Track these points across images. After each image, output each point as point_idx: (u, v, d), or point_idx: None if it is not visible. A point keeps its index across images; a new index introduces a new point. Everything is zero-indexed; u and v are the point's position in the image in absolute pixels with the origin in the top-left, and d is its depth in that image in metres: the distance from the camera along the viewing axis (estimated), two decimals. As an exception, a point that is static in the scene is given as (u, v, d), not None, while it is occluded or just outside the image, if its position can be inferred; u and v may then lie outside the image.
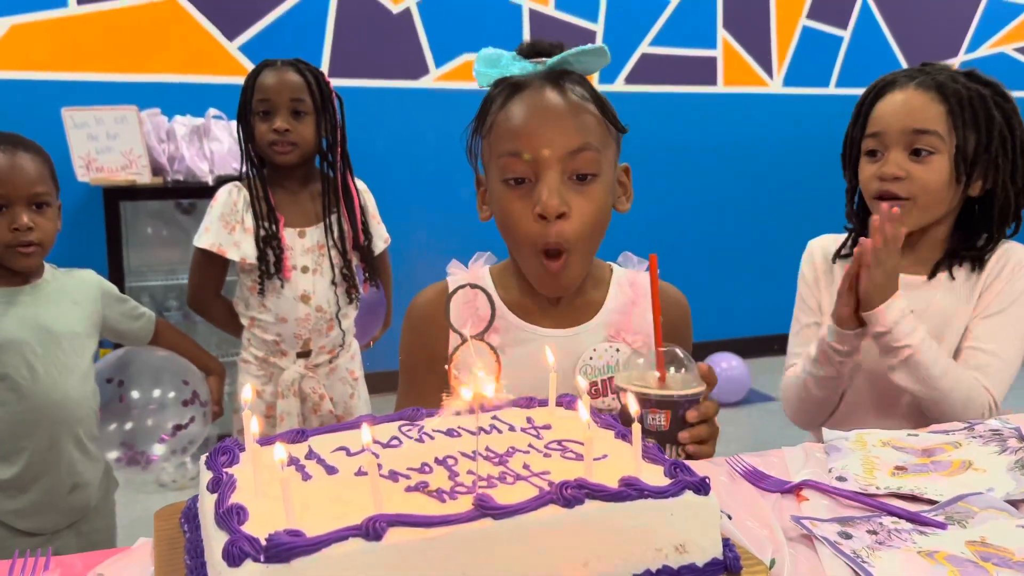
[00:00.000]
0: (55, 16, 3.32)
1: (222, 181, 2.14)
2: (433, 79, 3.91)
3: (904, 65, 4.30)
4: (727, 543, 0.71)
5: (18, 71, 3.30)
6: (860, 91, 1.47)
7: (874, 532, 0.82)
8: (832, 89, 4.63)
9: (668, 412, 0.98)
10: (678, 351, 1.01)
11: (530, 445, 0.79)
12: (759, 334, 4.48)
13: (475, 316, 1.12)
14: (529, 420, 0.85)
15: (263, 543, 0.58)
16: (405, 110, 3.87)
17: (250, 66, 2.99)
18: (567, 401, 0.90)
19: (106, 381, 1.76)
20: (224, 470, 0.73)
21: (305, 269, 2.03)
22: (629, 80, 4.23)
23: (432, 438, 0.81)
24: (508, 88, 1.12)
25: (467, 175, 1.21)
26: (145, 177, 3.14)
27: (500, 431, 0.83)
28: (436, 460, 0.75)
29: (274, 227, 2.00)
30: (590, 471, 0.70)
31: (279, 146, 1.97)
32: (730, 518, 0.83)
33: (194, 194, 3.24)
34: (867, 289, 1.27)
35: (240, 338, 2.10)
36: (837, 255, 1.50)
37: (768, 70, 4.52)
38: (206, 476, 0.73)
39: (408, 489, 0.69)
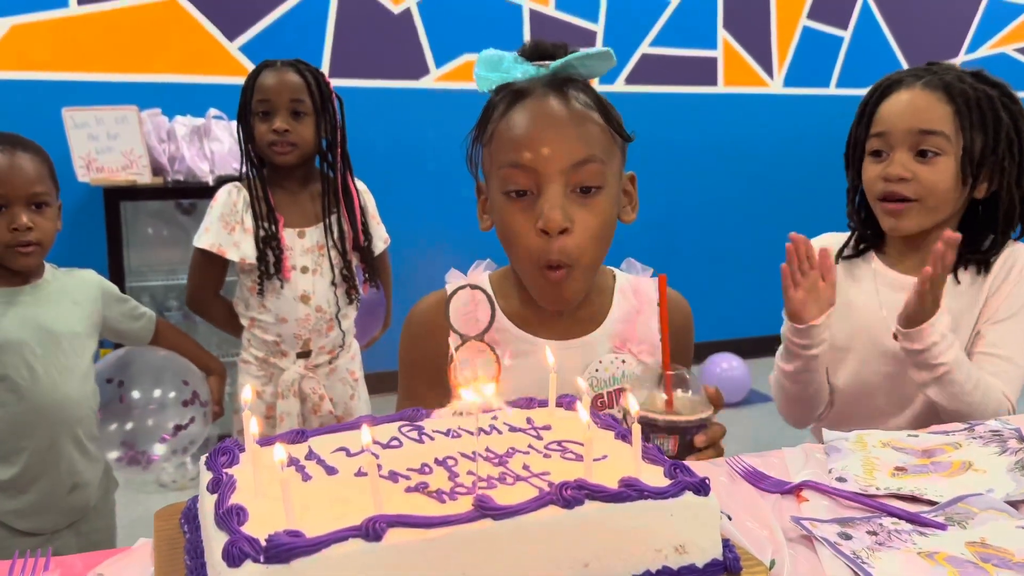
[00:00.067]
0: (56, 16, 3.32)
1: (222, 181, 2.15)
2: (433, 79, 3.91)
3: (905, 66, 4.30)
4: (727, 544, 0.71)
5: (18, 71, 3.30)
6: (861, 91, 1.46)
7: (874, 533, 0.82)
8: (832, 89, 4.62)
9: (676, 437, 0.98)
10: (686, 373, 1.01)
11: (530, 446, 0.79)
12: (759, 334, 4.46)
13: (475, 326, 1.08)
14: (529, 421, 0.85)
15: (263, 544, 0.58)
16: (405, 110, 3.87)
17: (250, 66, 2.99)
18: (567, 402, 0.90)
19: (106, 381, 1.76)
20: (224, 471, 0.73)
21: (305, 269, 2.03)
22: (629, 80, 4.23)
23: (432, 439, 0.81)
24: (510, 96, 1.08)
25: (468, 176, 1.19)
26: (145, 177, 3.14)
27: (500, 432, 0.83)
28: (436, 461, 0.75)
29: (273, 227, 2.00)
30: (590, 472, 0.70)
31: (278, 147, 1.97)
32: (730, 519, 0.83)
33: (194, 194, 3.24)
34: (915, 310, 1.23)
35: (240, 338, 2.11)
36: (840, 255, 1.48)
37: (768, 70, 4.52)
38: (206, 477, 0.73)
39: (408, 490, 0.69)
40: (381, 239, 2.20)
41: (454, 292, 1.10)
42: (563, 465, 0.74)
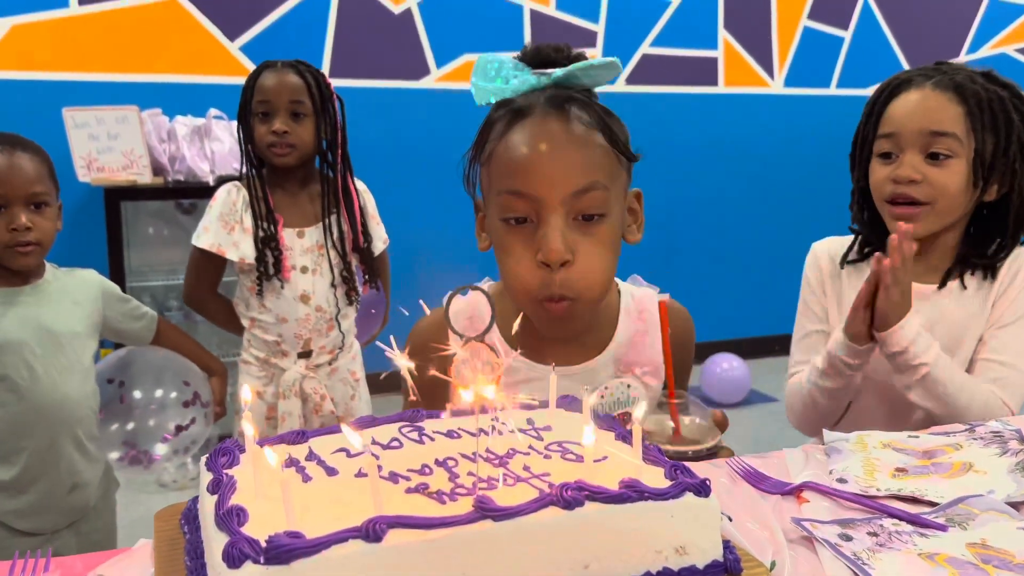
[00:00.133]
0: (56, 16, 3.32)
1: (223, 181, 2.15)
2: (434, 80, 3.91)
3: (905, 66, 4.29)
4: (727, 545, 0.71)
5: (19, 71, 3.30)
6: (861, 92, 1.46)
7: (875, 534, 0.82)
8: (833, 90, 4.62)
9: None
10: (692, 399, 1.00)
11: (530, 447, 0.79)
12: (760, 335, 4.48)
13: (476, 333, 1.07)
14: (529, 422, 0.85)
15: (263, 544, 0.58)
16: (406, 111, 3.87)
17: (251, 66, 2.99)
18: (567, 402, 0.90)
19: (107, 381, 1.76)
20: (224, 471, 0.73)
21: (304, 269, 2.03)
22: (630, 81, 4.23)
23: (432, 439, 0.81)
24: (509, 115, 1.02)
25: (468, 176, 1.19)
26: (146, 177, 3.15)
27: (500, 432, 0.83)
28: (436, 461, 0.75)
29: (273, 228, 2.00)
30: (590, 473, 0.70)
31: (277, 148, 1.97)
32: (730, 520, 0.83)
33: (195, 194, 3.24)
34: (884, 308, 1.22)
35: (241, 337, 2.11)
36: (845, 260, 1.45)
37: (769, 71, 4.52)
38: (206, 477, 0.73)
39: (408, 491, 0.69)
40: (381, 239, 2.20)
41: (454, 293, 1.09)
42: (563, 466, 0.74)
